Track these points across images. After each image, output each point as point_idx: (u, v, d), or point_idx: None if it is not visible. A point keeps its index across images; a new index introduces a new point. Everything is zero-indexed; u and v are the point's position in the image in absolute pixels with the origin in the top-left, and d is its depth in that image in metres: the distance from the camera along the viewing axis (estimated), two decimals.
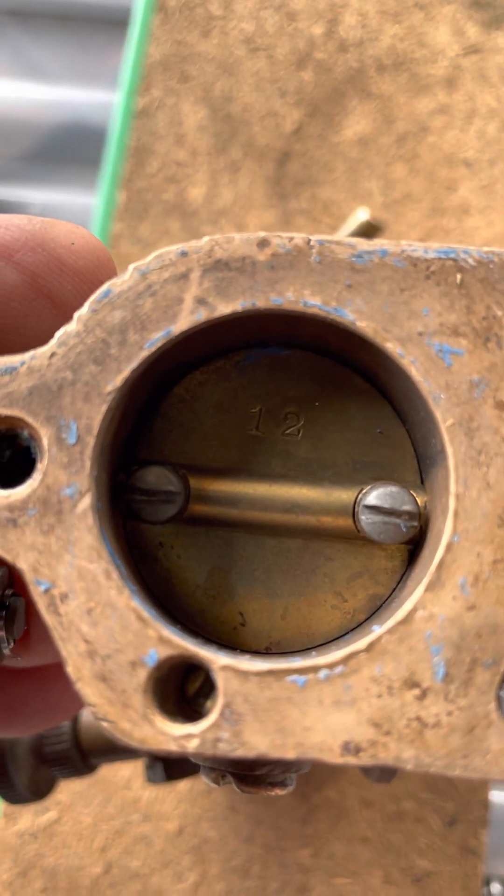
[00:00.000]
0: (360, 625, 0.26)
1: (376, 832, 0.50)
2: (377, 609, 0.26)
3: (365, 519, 0.24)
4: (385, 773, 0.33)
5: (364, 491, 0.25)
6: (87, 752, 0.39)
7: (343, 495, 0.25)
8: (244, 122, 0.61)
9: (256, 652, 0.26)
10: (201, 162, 0.60)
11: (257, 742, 0.21)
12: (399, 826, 0.50)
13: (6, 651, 0.26)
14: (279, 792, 0.25)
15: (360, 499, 0.24)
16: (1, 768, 0.39)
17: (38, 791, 0.39)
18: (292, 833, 0.50)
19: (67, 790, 0.51)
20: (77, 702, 0.30)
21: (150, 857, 0.51)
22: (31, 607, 0.26)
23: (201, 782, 0.51)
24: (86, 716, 0.40)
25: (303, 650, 0.25)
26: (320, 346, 0.25)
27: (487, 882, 0.57)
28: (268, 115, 0.61)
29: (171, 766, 0.40)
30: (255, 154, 0.60)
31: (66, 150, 0.69)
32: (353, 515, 0.25)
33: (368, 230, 0.48)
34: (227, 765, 0.25)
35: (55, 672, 0.30)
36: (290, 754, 0.21)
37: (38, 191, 0.69)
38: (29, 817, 0.51)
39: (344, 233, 0.48)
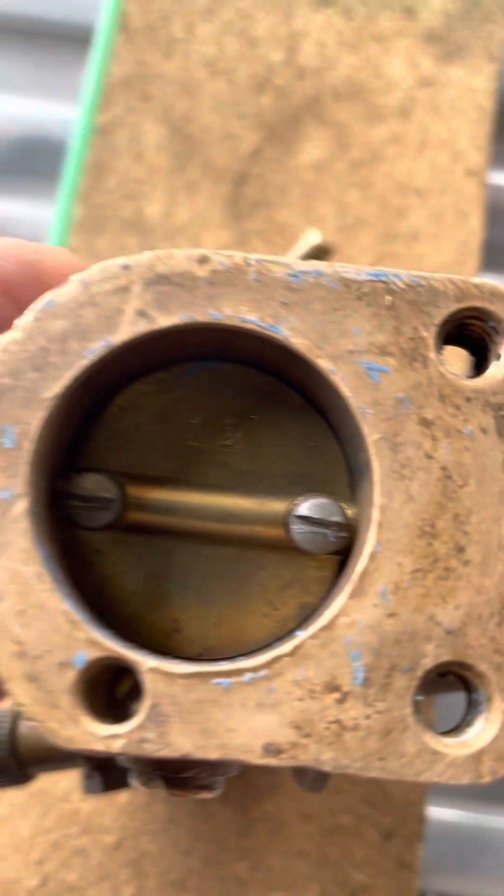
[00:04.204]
0: (290, 633, 0.26)
1: (314, 846, 0.51)
2: (307, 617, 0.26)
3: (295, 529, 0.25)
4: (318, 781, 0.33)
5: (296, 502, 0.25)
6: (24, 761, 0.39)
7: (276, 506, 0.26)
8: (203, 143, 0.62)
9: (189, 658, 0.26)
10: (159, 180, 0.61)
11: (182, 743, 0.21)
12: (336, 840, 0.51)
13: None
14: (206, 795, 0.25)
15: (292, 509, 0.25)
16: None
17: None
18: (231, 846, 0.50)
19: (5, 802, 0.51)
20: None
21: (87, 871, 0.50)
22: None
23: (141, 795, 0.51)
24: (24, 724, 0.40)
25: (234, 657, 0.26)
26: (258, 361, 0.26)
27: None
28: (226, 137, 0.62)
29: (109, 777, 0.40)
30: (213, 174, 0.62)
31: (26, 162, 0.69)
32: (285, 525, 0.26)
33: (319, 253, 0.49)
34: (155, 767, 0.26)
35: None
36: (213, 755, 0.21)
37: None
38: None
39: (295, 254, 0.49)
